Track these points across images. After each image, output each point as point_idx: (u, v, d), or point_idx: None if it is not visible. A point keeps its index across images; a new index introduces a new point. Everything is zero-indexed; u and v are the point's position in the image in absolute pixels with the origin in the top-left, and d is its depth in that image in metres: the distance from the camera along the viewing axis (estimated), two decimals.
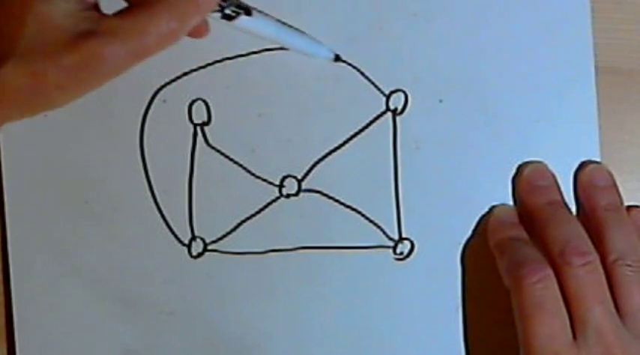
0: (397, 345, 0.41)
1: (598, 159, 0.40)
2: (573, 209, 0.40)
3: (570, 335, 0.36)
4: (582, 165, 0.40)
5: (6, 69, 0.30)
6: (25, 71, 0.30)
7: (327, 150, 0.41)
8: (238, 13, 0.36)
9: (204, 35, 0.38)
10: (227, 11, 0.36)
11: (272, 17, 0.39)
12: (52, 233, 0.41)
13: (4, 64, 0.30)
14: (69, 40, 0.30)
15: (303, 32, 0.40)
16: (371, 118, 0.41)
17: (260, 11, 0.38)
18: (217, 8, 0.35)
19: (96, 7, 0.32)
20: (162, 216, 0.41)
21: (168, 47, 0.32)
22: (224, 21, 0.36)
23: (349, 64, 0.41)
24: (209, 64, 0.41)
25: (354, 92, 0.41)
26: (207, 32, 0.38)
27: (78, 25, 0.31)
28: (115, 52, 0.31)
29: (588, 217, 0.39)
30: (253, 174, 0.41)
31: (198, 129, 0.41)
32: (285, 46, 0.40)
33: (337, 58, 0.40)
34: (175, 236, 0.41)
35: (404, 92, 0.41)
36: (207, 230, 0.41)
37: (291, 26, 0.40)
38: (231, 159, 0.41)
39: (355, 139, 0.41)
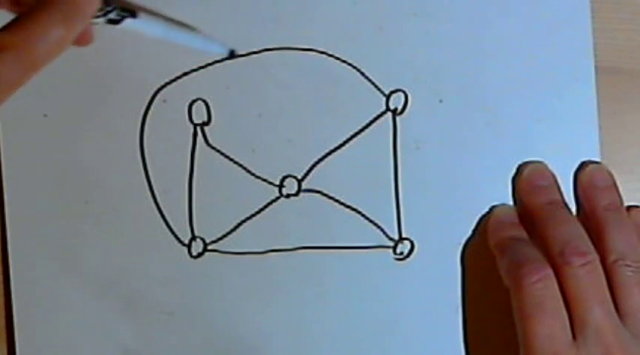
0: (397, 345, 0.41)
1: (598, 159, 0.40)
2: (573, 209, 0.40)
3: (570, 335, 0.36)
4: (582, 165, 0.40)
5: None
6: None
7: (327, 150, 0.41)
8: (123, 17, 0.35)
9: (89, 42, 0.37)
10: (111, 16, 0.35)
11: (160, 16, 0.38)
12: (52, 233, 0.41)
13: None
14: None
15: (194, 29, 0.40)
16: (371, 118, 0.41)
17: (147, 11, 0.37)
18: (101, 13, 0.34)
19: None
20: (162, 216, 0.41)
21: (58, 55, 0.32)
22: (110, 26, 0.35)
23: (349, 64, 0.41)
24: (209, 64, 0.41)
25: (354, 92, 0.41)
26: (92, 40, 0.37)
27: None
28: (7, 68, 0.30)
29: (588, 217, 0.39)
30: (253, 174, 0.41)
31: (198, 129, 0.41)
32: (177, 44, 0.39)
33: (232, 55, 0.40)
34: (175, 236, 0.41)
35: (404, 92, 0.41)
36: (207, 230, 0.41)
37: (182, 23, 0.39)
38: (231, 159, 0.41)
39: (355, 139, 0.41)
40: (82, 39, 0.36)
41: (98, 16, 0.34)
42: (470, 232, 0.40)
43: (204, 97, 0.41)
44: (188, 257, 0.41)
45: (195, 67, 0.41)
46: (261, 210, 0.41)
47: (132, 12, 0.36)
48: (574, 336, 0.35)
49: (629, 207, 0.39)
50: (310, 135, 0.41)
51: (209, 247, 0.41)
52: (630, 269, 0.37)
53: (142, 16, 0.36)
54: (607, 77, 0.40)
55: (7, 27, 0.31)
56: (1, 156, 0.41)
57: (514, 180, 0.40)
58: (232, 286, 0.41)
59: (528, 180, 0.40)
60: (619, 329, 0.35)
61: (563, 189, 0.40)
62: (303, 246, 0.41)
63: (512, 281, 0.37)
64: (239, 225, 0.41)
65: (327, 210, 0.41)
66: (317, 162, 0.41)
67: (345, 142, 0.41)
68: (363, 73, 0.41)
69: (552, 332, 0.35)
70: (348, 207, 0.41)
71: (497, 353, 0.40)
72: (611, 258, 0.37)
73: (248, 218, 0.41)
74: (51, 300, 0.41)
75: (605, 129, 0.40)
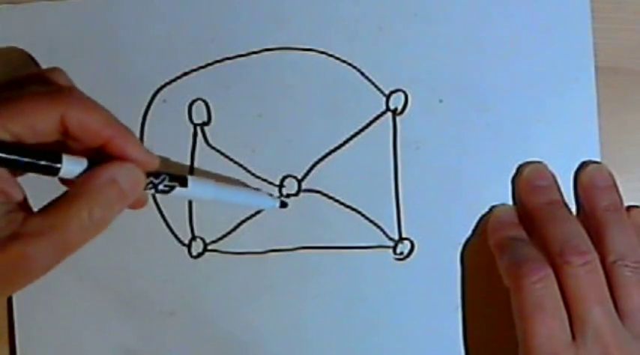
0: (397, 345, 0.41)
1: (598, 159, 0.40)
2: (573, 209, 0.40)
3: (569, 335, 0.36)
4: (583, 165, 0.40)
5: None
6: None
7: (327, 150, 0.41)
8: (173, 187, 0.35)
9: (143, 206, 0.37)
10: (160, 187, 0.34)
11: (210, 180, 0.37)
12: None
13: None
14: None
15: (244, 185, 0.40)
16: (371, 118, 0.41)
17: (196, 177, 0.36)
18: (150, 186, 0.34)
19: (22, 205, 0.32)
20: (162, 216, 0.41)
21: (98, 236, 0.32)
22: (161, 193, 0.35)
23: (349, 64, 0.41)
24: (209, 64, 0.41)
25: (354, 92, 0.41)
26: (146, 203, 0.37)
27: (3, 230, 0.30)
28: (41, 252, 0.31)
29: (588, 217, 0.39)
30: (253, 174, 0.41)
31: (198, 129, 0.41)
32: (228, 203, 0.39)
33: (283, 205, 0.40)
34: (175, 236, 0.41)
35: (404, 92, 0.41)
36: (207, 230, 0.41)
37: (232, 180, 0.40)
38: (231, 159, 0.41)
39: (355, 139, 0.41)
40: (137, 204, 0.36)
41: (148, 188, 0.34)
42: (470, 232, 0.40)
43: (204, 97, 0.41)
44: (188, 257, 0.41)
45: (195, 67, 0.41)
46: (261, 210, 0.41)
47: (182, 180, 0.35)
48: (573, 336, 0.35)
49: (629, 207, 0.39)
50: (310, 135, 0.41)
51: (209, 247, 0.41)
52: (630, 269, 0.37)
53: (192, 182, 0.36)
54: (607, 77, 0.40)
55: (44, 209, 0.31)
56: None
57: (514, 180, 0.40)
58: (232, 286, 0.41)
59: (528, 180, 0.40)
60: (618, 329, 0.35)
61: (563, 189, 0.40)
62: (303, 246, 0.41)
63: (511, 281, 0.37)
64: (239, 225, 0.41)
65: (327, 210, 0.41)
66: (317, 162, 0.41)
67: (345, 142, 0.41)
68: (363, 73, 0.41)
69: (552, 332, 0.35)
70: (348, 207, 0.41)
71: (497, 353, 0.40)
72: (611, 258, 0.37)
73: (248, 218, 0.41)
74: (51, 300, 0.41)
75: (605, 129, 0.40)
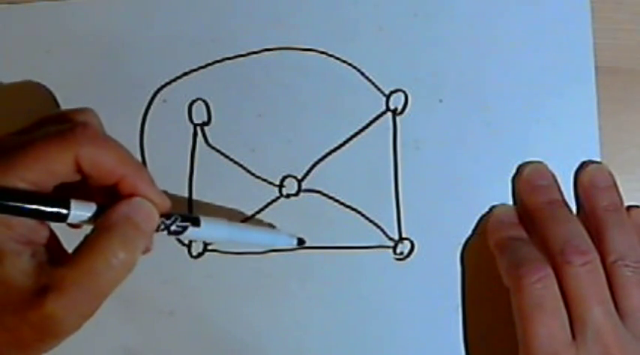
0: (397, 345, 0.41)
1: (598, 159, 0.40)
2: (573, 209, 0.40)
3: (569, 335, 0.35)
4: (583, 165, 0.40)
5: None
6: None
7: (327, 150, 0.41)
8: (185, 227, 0.34)
9: (149, 251, 0.35)
10: (173, 228, 0.34)
11: (223, 220, 0.36)
12: None
13: None
14: (29, 298, 0.30)
15: (259, 225, 0.40)
16: (371, 118, 0.41)
17: (208, 217, 0.36)
18: (162, 227, 0.34)
19: (47, 257, 0.32)
20: None
21: (125, 278, 0.32)
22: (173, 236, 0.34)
23: (349, 64, 0.41)
24: (209, 64, 0.41)
25: (354, 92, 0.41)
26: (150, 249, 0.35)
27: (36, 282, 0.30)
28: (76, 300, 0.30)
29: (588, 217, 0.39)
30: (253, 174, 0.41)
31: (198, 129, 0.41)
32: (242, 244, 0.39)
33: (301, 242, 0.40)
34: None
35: (404, 92, 0.41)
36: None
37: (245, 220, 0.39)
38: (231, 159, 0.41)
39: (355, 139, 0.41)
40: (145, 248, 0.35)
41: (161, 229, 0.34)
42: (470, 232, 0.40)
43: (204, 97, 0.41)
44: (188, 257, 0.41)
45: (195, 67, 0.41)
46: (261, 210, 0.41)
47: (194, 221, 0.35)
48: (573, 336, 0.35)
49: (629, 207, 0.39)
50: (310, 135, 0.41)
51: (209, 247, 0.41)
52: (630, 269, 0.37)
53: (205, 222, 0.35)
54: (607, 77, 0.40)
55: (69, 260, 0.31)
56: None
57: (514, 180, 0.40)
58: (232, 286, 0.41)
59: (528, 180, 0.40)
60: (619, 329, 0.35)
61: (563, 189, 0.40)
62: (303, 246, 0.41)
63: (511, 281, 0.37)
64: None
65: (327, 210, 0.41)
66: (317, 162, 0.41)
67: (345, 142, 0.41)
68: (363, 73, 0.41)
69: (552, 332, 0.35)
70: (348, 207, 0.41)
71: (497, 353, 0.40)
72: (611, 258, 0.37)
73: (248, 218, 0.41)
74: None
75: (605, 129, 0.40)
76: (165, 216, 0.34)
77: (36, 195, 0.31)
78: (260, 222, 0.41)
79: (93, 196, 0.33)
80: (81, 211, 0.32)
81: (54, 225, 0.33)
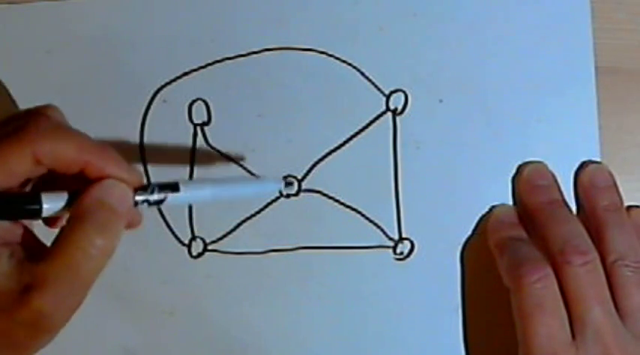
0: (397, 345, 0.41)
1: (598, 159, 0.40)
2: (573, 208, 0.40)
3: (569, 335, 0.35)
4: (583, 165, 0.40)
5: None
6: None
7: (327, 150, 0.41)
8: (165, 196, 0.33)
9: (139, 225, 0.35)
10: (154, 198, 0.33)
11: (203, 180, 0.35)
12: None
13: None
14: (15, 298, 0.29)
15: (243, 176, 0.39)
16: (371, 118, 0.41)
17: (188, 180, 0.35)
18: (141, 199, 0.33)
19: (26, 254, 0.31)
20: (162, 216, 0.41)
21: (107, 264, 0.31)
22: (154, 206, 0.33)
23: (349, 64, 0.41)
24: (209, 64, 0.41)
25: (354, 92, 0.41)
26: (140, 222, 0.35)
27: (18, 282, 0.30)
28: (61, 294, 0.30)
29: (588, 217, 0.39)
30: (253, 174, 0.41)
31: (198, 129, 0.41)
32: (229, 200, 0.38)
33: (288, 183, 0.39)
34: (175, 236, 0.41)
35: (404, 92, 0.41)
36: (207, 230, 0.41)
37: (246, 221, 0.39)
38: (232, 159, 0.41)
39: (355, 139, 0.41)
40: (132, 223, 0.34)
41: (140, 203, 0.33)
42: (470, 232, 0.40)
43: (204, 97, 0.41)
44: (188, 257, 0.41)
45: (195, 67, 0.41)
46: (261, 210, 0.41)
47: (172, 187, 0.34)
48: (573, 336, 0.35)
49: (629, 207, 0.39)
50: (310, 135, 0.41)
51: (209, 247, 0.41)
52: (630, 269, 0.37)
53: (184, 186, 0.34)
54: (607, 77, 0.40)
55: (48, 254, 0.30)
56: None
57: (514, 180, 0.40)
58: (232, 286, 0.41)
59: (528, 180, 0.40)
60: (618, 329, 0.35)
61: (563, 189, 0.40)
62: (303, 245, 0.41)
63: (511, 280, 0.37)
64: (239, 225, 0.41)
65: (327, 210, 0.41)
66: (317, 162, 0.41)
67: (345, 142, 0.41)
68: (363, 73, 0.41)
69: (551, 332, 0.35)
70: (348, 207, 0.41)
71: (497, 353, 0.40)
72: (611, 258, 0.37)
73: (248, 218, 0.41)
74: None
75: (605, 129, 0.40)
76: (142, 188, 0.33)
77: (3, 195, 0.30)
78: (244, 179, 0.39)
79: (69, 183, 0.32)
80: (53, 203, 0.31)
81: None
